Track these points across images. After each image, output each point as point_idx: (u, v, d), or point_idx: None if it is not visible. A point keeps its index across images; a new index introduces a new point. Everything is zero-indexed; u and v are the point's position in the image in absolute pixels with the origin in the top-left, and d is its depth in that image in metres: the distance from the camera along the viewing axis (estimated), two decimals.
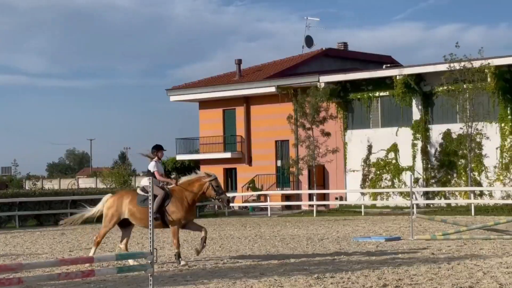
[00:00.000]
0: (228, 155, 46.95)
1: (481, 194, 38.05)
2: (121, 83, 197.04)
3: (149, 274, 10.76)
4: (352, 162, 42.79)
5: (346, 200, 41.16)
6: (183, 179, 15.89)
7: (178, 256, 15.30)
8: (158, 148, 16.07)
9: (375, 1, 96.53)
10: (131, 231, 16.22)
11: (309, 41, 50.04)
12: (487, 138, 37.48)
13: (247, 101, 46.72)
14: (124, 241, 15.92)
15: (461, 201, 37.25)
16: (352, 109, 43.20)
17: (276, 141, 45.65)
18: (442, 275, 12.61)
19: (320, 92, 40.38)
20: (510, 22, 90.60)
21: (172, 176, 16.41)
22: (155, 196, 15.25)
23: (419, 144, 40.55)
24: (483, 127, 37.00)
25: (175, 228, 15.44)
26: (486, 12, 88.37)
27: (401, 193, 39.89)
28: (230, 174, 47.81)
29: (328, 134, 39.62)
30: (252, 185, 45.17)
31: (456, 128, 38.62)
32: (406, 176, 40.14)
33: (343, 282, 12.15)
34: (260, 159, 46.09)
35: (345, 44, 51.86)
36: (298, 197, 43.00)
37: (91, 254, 15.64)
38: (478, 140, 37.73)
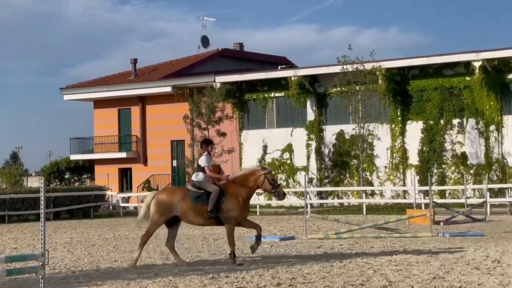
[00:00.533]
0: (123, 155, 46.49)
1: (373, 193, 38.97)
2: (13, 82, 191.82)
3: (40, 277, 10.54)
4: (247, 162, 43.02)
5: None
6: (236, 174, 15.39)
7: (233, 255, 14.71)
8: (208, 143, 15.53)
9: (271, 2, 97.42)
10: (177, 230, 15.35)
11: (205, 41, 50.10)
12: (378, 139, 38.38)
13: (143, 100, 46.38)
14: (171, 241, 15.07)
15: (354, 201, 38.02)
16: (247, 109, 43.51)
17: (171, 141, 45.50)
18: (335, 273, 12.85)
19: (216, 92, 40.43)
20: (400, 26, 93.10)
21: (225, 175, 15.75)
22: (209, 193, 14.68)
23: (313, 144, 41.20)
24: (374, 128, 37.87)
25: (231, 227, 14.74)
26: (377, 15, 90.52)
27: (295, 193, 40.40)
28: (125, 174, 47.36)
29: (223, 134, 39.71)
30: (147, 185, 44.84)
31: (349, 129, 39.42)
32: (300, 176, 40.71)
33: (238, 281, 12.22)
34: (155, 159, 45.83)
35: (241, 45, 52.19)
36: None
37: (135, 257, 14.71)
38: (369, 140, 38.60)
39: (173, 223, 15.06)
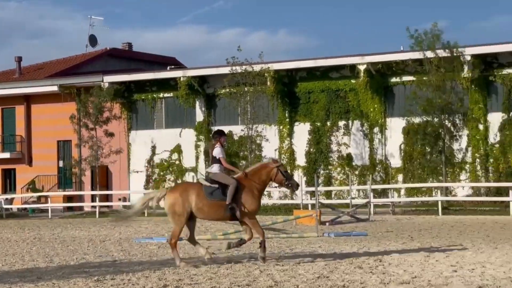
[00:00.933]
0: (6, 155, 45.24)
1: None
2: None
3: None
4: (136, 162, 42.71)
5: (129, 201, 40.88)
6: (248, 167, 14.76)
7: (263, 245, 14.34)
8: (220, 134, 14.96)
9: (160, 3, 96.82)
10: (195, 223, 14.87)
11: (93, 40, 49.37)
12: (267, 140, 38.71)
13: (28, 100, 45.25)
14: (191, 236, 14.64)
15: None
16: (136, 109, 43.13)
17: (58, 141, 44.59)
18: (221, 274, 12.88)
19: (104, 92, 39.93)
20: (288, 29, 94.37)
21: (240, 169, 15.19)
22: (226, 186, 14.20)
23: (202, 145, 41.22)
24: (263, 129, 38.17)
25: (254, 221, 14.35)
26: (266, 18, 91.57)
27: None
28: (9, 175, 46.07)
29: (111, 135, 39.25)
30: (32, 186, 43.77)
31: (238, 130, 39.62)
32: (189, 177, 40.65)
33: (124, 283, 12.09)
34: (41, 159, 44.77)
35: (130, 45, 51.73)
36: (80, 198, 42.24)
37: (177, 261, 14.22)
38: (258, 141, 38.89)
39: (189, 217, 14.62)
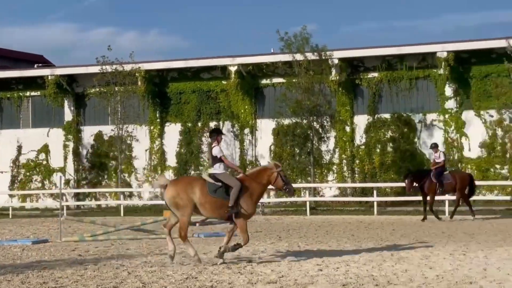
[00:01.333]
0: None
1: (131, 195, 38.91)
2: None
3: None
4: (0, 163, 41.39)
5: None
6: (249, 170, 14.27)
7: (237, 248, 14.16)
8: (218, 132, 14.51)
9: None
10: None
11: None
12: (137, 140, 38.41)
13: None
14: (169, 226, 14.21)
15: (112, 202, 37.74)
16: (1, 108, 41.85)
17: None
18: (88, 277, 12.65)
19: None
20: (160, 29, 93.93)
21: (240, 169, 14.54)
22: (227, 187, 13.76)
23: (71, 145, 40.44)
24: (133, 129, 37.85)
25: (244, 222, 14.14)
26: (138, 18, 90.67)
27: (51, 195, 39.41)
28: None
29: None
30: None
31: (108, 130, 39.12)
32: (57, 178, 39.76)
33: None
34: None
35: None
36: None
37: (191, 252, 13.90)
38: (128, 142, 38.53)
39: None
